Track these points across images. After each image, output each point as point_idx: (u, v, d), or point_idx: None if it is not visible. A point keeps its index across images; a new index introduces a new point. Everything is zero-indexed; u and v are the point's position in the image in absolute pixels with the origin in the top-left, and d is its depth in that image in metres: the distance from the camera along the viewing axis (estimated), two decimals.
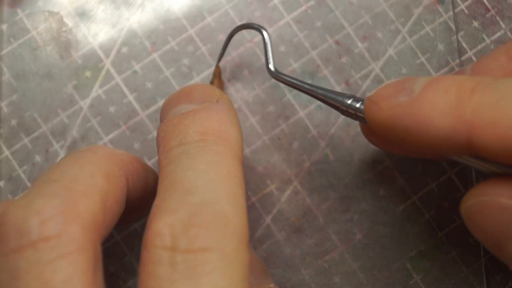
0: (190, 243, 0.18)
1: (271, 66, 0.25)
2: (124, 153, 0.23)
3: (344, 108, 0.23)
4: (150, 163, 0.28)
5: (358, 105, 0.23)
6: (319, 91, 0.24)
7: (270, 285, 0.24)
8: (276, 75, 0.25)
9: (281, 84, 0.28)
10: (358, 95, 0.28)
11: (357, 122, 0.28)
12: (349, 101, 0.23)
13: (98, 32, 0.28)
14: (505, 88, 0.19)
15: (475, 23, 0.28)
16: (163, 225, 0.18)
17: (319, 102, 0.28)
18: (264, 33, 0.26)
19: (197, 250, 0.18)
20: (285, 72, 0.28)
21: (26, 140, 0.28)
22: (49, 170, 0.20)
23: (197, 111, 0.22)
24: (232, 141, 0.21)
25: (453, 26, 0.28)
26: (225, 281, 0.18)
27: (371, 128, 0.22)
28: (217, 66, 0.27)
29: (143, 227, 0.27)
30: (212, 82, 0.27)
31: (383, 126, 0.21)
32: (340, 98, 0.23)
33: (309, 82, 0.28)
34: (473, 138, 0.19)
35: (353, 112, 0.23)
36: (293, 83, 0.25)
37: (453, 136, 0.19)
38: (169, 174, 0.20)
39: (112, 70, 0.28)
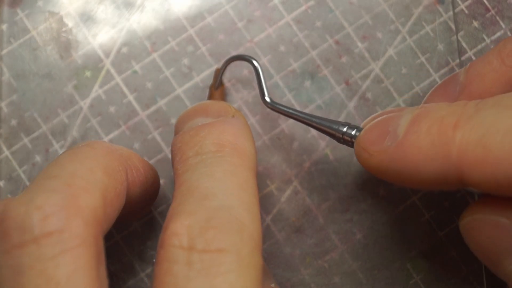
0: (206, 244, 0.18)
1: (266, 98, 0.25)
2: (123, 148, 0.23)
3: (340, 136, 0.23)
4: (150, 162, 0.28)
5: (353, 132, 0.23)
6: (314, 119, 0.24)
7: (271, 285, 0.24)
8: (272, 106, 0.25)
9: (281, 84, 0.28)
10: (358, 95, 0.28)
11: (357, 122, 0.28)
12: (344, 129, 0.23)
13: (98, 32, 0.28)
14: (488, 122, 0.19)
15: (475, 23, 0.28)
16: (181, 226, 0.18)
17: (319, 102, 0.28)
18: (256, 64, 0.26)
19: (213, 251, 0.18)
20: (284, 72, 0.28)
21: (26, 140, 0.28)
22: (49, 166, 0.20)
23: (213, 124, 0.22)
24: (247, 154, 0.22)
25: (453, 26, 0.28)
26: (239, 282, 0.18)
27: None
28: (217, 69, 0.27)
29: (143, 227, 0.27)
30: (212, 85, 0.27)
31: (376, 171, 0.21)
32: (335, 126, 0.24)
33: (309, 82, 0.28)
34: (463, 177, 0.19)
35: (348, 139, 0.23)
36: (288, 112, 0.25)
37: (443, 176, 0.19)
38: (186, 181, 0.20)
39: (112, 70, 0.28)
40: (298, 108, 0.28)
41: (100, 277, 0.19)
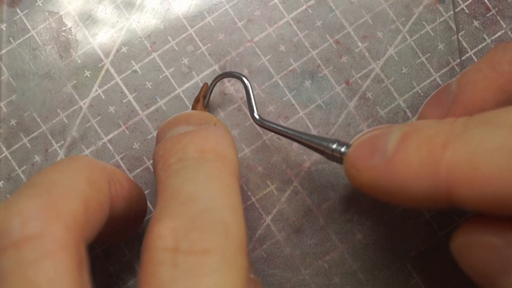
0: (191, 245, 0.18)
1: (255, 114, 0.25)
2: (107, 164, 0.23)
3: (330, 153, 0.23)
4: (149, 163, 0.28)
5: (343, 149, 0.23)
6: (304, 136, 0.24)
7: (250, 275, 0.24)
8: (261, 123, 0.25)
9: (281, 84, 0.28)
10: (358, 95, 0.28)
11: (358, 121, 0.28)
12: (334, 146, 0.23)
13: (98, 32, 0.28)
14: (476, 140, 0.19)
15: (476, 23, 0.28)
16: (165, 228, 0.19)
17: (319, 102, 0.28)
18: (245, 80, 0.26)
19: (198, 252, 0.18)
20: (284, 72, 0.28)
21: (25, 140, 0.28)
22: (31, 177, 0.21)
23: (195, 131, 0.23)
24: (229, 160, 0.22)
25: (453, 26, 0.28)
26: (225, 282, 0.18)
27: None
28: (205, 84, 0.27)
29: (143, 228, 0.27)
30: (197, 99, 0.27)
31: (365, 188, 0.21)
32: (325, 143, 0.23)
33: (309, 82, 0.28)
34: (452, 195, 0.19)
35: (338, 155, 0.23)
36: (277, 129, 0.25)
37: (432, 194, 0.19)
38: (169, 186, 0.20)
39: (112, 70, 0.28)
40: (296, 116, 0.28)
41: (83, 283, 0.18)
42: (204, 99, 0.27)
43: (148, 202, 0.27)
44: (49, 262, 0.18)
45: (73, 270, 0.18)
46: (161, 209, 0.19)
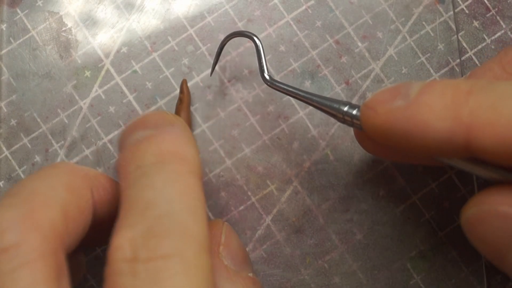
0: (150, 252, 0.18)
1: (265, 75, 0.25)
2: (90, 169, 0.23)
3: (340, 116, 0.23)
4: None
5: (354, 112, 0.23)
6: (315, 98, 0.24)
7: (249, 274, 0.24)
8: (271, 83, 0.25)
9: None
10: (358, 95, 0.28)
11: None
12: (345, 108, 0.23)
13: (98, 32, 0.28)
14: (501, 89, 0.19)
15: (476, 23, 0.28)
16: (123, 239, 0.19)
17: None
18: (256, 40, 0.26)
19: (157, 258, 0.18)
20: (284, 72, 0.28)
21: (25, 140, 0.28)
22: (12, 187, 0.20)
23: (151, 135, 0.22)
24: (189, 159, 0.21)
25: (453, 26, 0.28)
26: (187, 284, 0.18)
27: (367, 134, 0.22)
28: (184, 80, 0.28)
29: None
30: (181, 98, 0.27)
31: (380, 131, 0.21)
32: (336, 105, 0.23)
33: (309, 82, 0.28)
34: (472, 140, 0.19)
35: (349, 119, 0.23)
36: (288, 90, 0.25)
37: (451, 138, 0.19)
38: (128, 196, 0.20)
39: (112, 70, 0.28)
40: (296, 116, 0.28)
41: None
42: (182, 95, 0.27)
43: None
44: (26, 272, 0.18)
45: (50, 279, 0.18)
46: (121, 220, 0.19)
